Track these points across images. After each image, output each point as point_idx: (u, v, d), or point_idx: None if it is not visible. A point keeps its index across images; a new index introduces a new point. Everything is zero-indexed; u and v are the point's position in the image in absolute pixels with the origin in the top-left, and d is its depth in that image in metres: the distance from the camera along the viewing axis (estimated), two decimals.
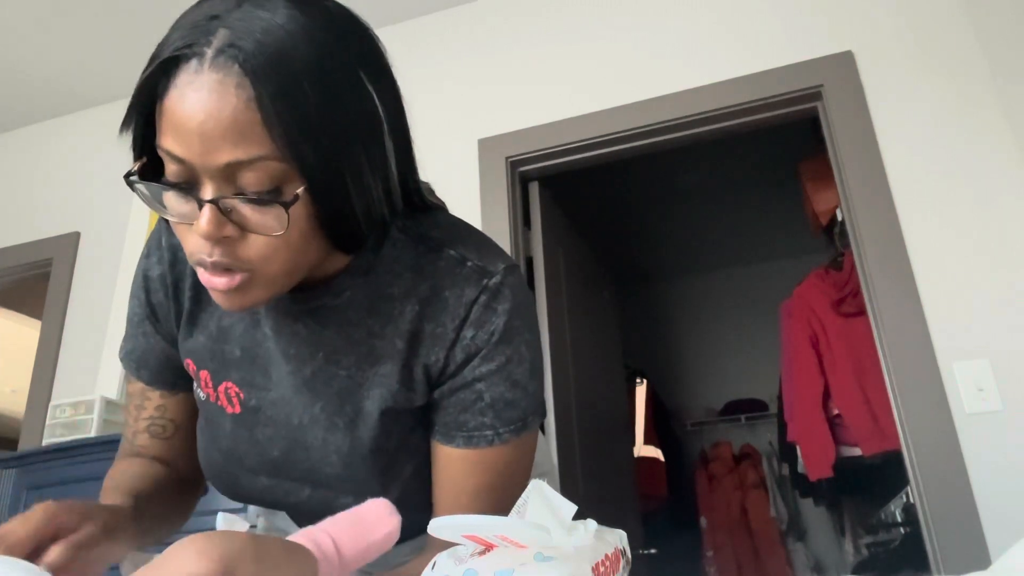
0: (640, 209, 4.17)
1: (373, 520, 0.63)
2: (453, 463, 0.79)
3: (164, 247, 0.86)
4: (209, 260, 0.65)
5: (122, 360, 0.92)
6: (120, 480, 0.84)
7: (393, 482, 0.82)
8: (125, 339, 0.92)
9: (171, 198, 0.66)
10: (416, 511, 0.81)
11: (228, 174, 0.62)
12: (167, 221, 0.86)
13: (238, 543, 0.51)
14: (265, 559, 0.51)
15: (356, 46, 0.67)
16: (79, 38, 2.83)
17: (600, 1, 2.61)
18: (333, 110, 0.63)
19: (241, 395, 0.84)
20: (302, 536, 0.59)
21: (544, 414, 0.85)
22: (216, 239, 0.64)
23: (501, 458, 0.79)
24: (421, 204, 0.81)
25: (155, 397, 0.91)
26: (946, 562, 1.79)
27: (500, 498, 0.79)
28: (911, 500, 2.15)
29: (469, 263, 0.78)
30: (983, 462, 1.83)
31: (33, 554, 0.62)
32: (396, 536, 0.63)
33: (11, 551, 0.61)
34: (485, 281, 0.77)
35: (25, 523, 0.62)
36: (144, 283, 0.88)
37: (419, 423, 0.82)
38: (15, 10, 2.68)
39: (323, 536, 0.60)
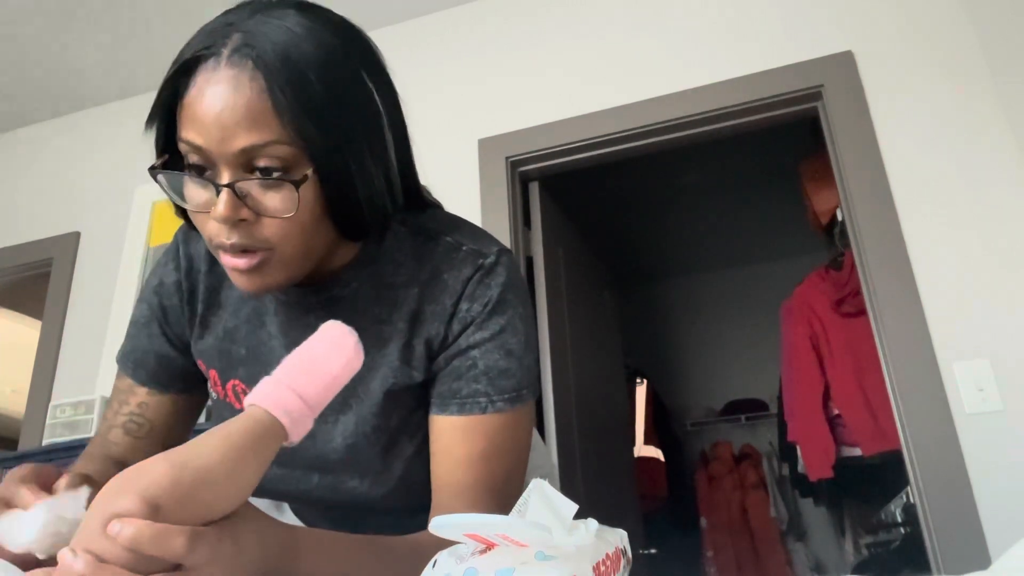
0: (640, 209, 4.17)
1: (326, 351, 0.62)
2: (447, 432, 0.81)
3: (182, 256, 0.91)
4: (228, 242, 0.69)
5: (119, 360, 0.94)
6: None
7: (395, 461, 0.85)
8: (126, 340, 0.95)
9: (191, 188, 0.71)
10: (420, 489, 0.83)
11: (243, 160, 0.68)
12: (184, 232, 0.91)
13: (156, 472, 0.50)
14: (192, 477, 0.51)
15: (357, 48, 0.74)
16: (80, 38, 2.83)
17: (600, 1, 2.62)
18: (337, 100, 0.69)
19: (248, 391, 0.86)
20: (263, 397, 0.58)
21: (538, 392, 0.87)
22: (233, 222, 0.68)
23: (495, 427, 0.80)
24: (419, 201, 0.86)
25: (141, 393, 0.92)
26: (946, 562, 1.79)
27: (494, 469, 0.80)
28: (911, 500, 2.15)
29: (465, 247, 0.83)
30: (983, 462, 1.83)
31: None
32: (360, 357, 0.63)
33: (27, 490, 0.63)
34: (480, 261, 0.83)
35: (23, 479, 0.65)
36: (159, 288, 0.92)
37: (420, 403, 0.84)
38: (16, 10, 2.68)
39: (285, 393, 0.58)
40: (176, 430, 0.95)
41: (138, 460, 0.90)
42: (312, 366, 0.60)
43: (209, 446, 0.53)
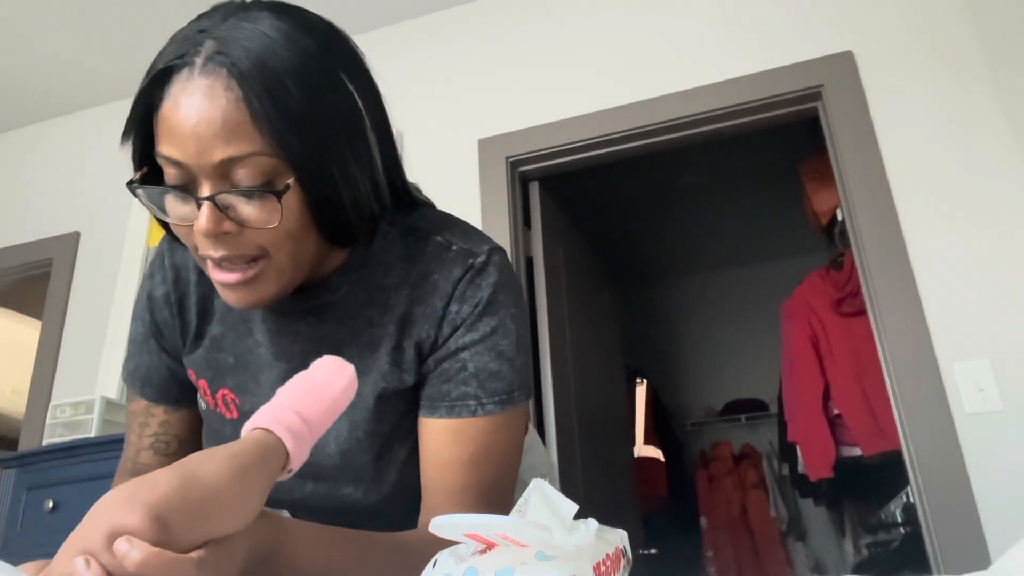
0: (640, 209, 4.17)
1: (326, 376, 0.62)
2: (437, 435, 0.79)
3: (167, 267, 0.89)
4: (216, 255, 0.68)
5: (125, 380, 0.93)
6: None
7: (389, 466, 0.83)
8: (128, 359, 0.93)
9: (171, 202, 0.69)
10: (416, 494, 0.82)
11: (223, 172, 0.66)
12: (169, 242, 0.89)
13: (163, 486, 0.48)
14: (201, 494, 0.49)
15: (335, 49, 0.72)
16: (79, 38, 2.83)
17: (600, 2, 2.62)
18: (316, 105, 0.67)
19: (237, 401, 0.86)
20: (266, 419, 0.58)
21: (532, 393, 0.86)
22: (216, 235, 0.67)
23: (485, 430, 0.79)
24: (408, 200, 0.84)
25: (159, 413, 0.91)
26: (946, 562, 1.79)
27: (484, 472, 0.79)
28: (911, 500, 2.15)
29: (455, 247, 0.81)
30: (983, 462, 1.83)
31: None
32: (355, 385, 0.63)
33: None
34: (471, 261, 0.81)
35: None
36: (148, 303, 0.90)
37: (412, 408, 0.83)
38: (15, 10, 2.68)
39: (287, 414, 0.58)
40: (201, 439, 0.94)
41: None
42: (312, 391, 0.61)
43: (217, 464, 0.52)
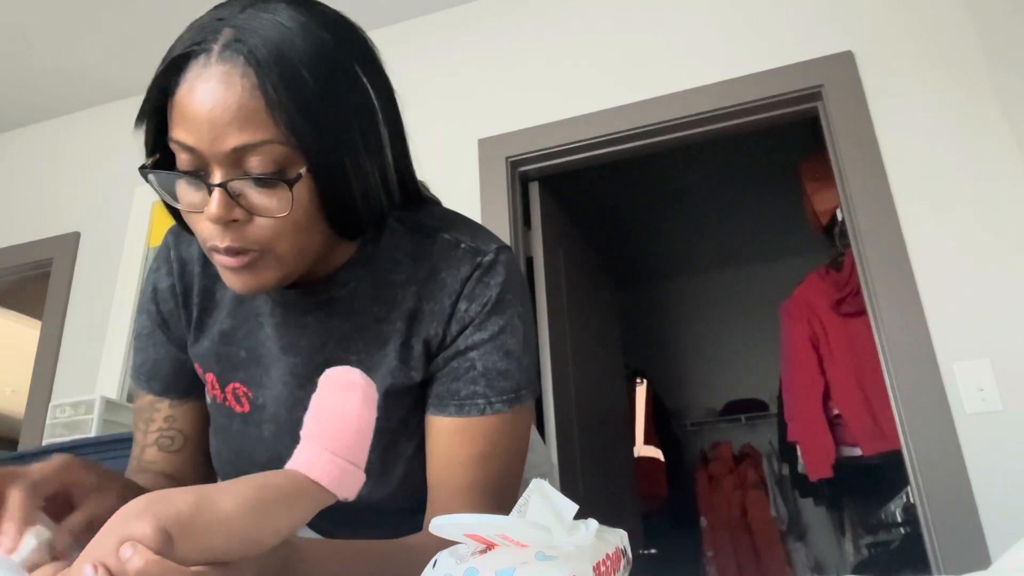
0: (640, 209, 4.17)
1: (335, 404, 0.59)
2: (445, 433, 0.80)
3: (173, 259, 0.90)
4: (222, 245, 0.68)
5: (133, 377, 0.94)
6: None
7: (396, 461, 0.84)
8: (135, 355, 0.94)
9: (183, 188, 0.69)
10: (422, 489, 0.82)
11: (235, 159, 0.66)
12: (175, 235, 0.90)
13: (178, 502, 0.50)
14: (211, 517, 0.50)
15: (351, 42, 0.73)
16: (80, 38, 2.83)
17: (600, 2, 2.62)
18: (331, 97, 0.68)
19: (250, 394, 0.86)
20: (303, 464, 0.57)
21: (538, 392, 0.86)
22: (226, 222, 0.67)
23: (493, 428, 0.79)
24: (417, 197, 0.85)
25: (164, 408, 0.91)
26: (946, 562, 1.79)
27: (492, 470, 0.79)
28: (911, 500, 2.15)
29: (463, 245, 0.82)
30: (983, 462, 1.83)
31: (50, 505, 0.64)
32: (371, 385, 0.60)
33: (32, 489, 0.63)
34: (479, 259, 0.81)
35: (42, 470, 0.65)
36: (154, 295, 0.91)
37: (418, 404, 0.84)
38: (15, 9, 2.68)
39: (321, 457, 0.57)
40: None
41: (181, 471, 0.90)
42: (332, 423, 0.59)
43: (239, 492, 0.53)
